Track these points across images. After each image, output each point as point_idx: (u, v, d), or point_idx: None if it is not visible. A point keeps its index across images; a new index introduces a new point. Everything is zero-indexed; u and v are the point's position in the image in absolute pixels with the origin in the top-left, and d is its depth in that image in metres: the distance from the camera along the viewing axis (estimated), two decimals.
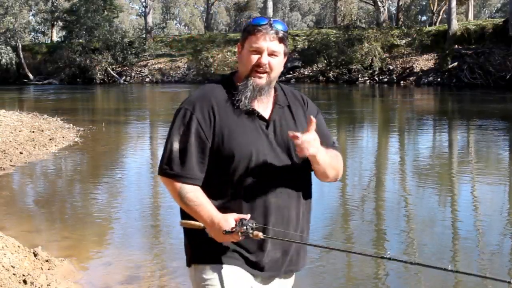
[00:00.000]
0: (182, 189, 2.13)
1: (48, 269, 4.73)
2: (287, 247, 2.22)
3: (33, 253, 4.89)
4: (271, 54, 2.15)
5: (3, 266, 4.30)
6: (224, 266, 2.16)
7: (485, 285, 4.61)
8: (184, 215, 2.23)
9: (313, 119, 2.07)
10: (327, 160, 2.16)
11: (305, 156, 2.07)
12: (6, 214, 6.87)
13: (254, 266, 2.19)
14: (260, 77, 2.16)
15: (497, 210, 6.88)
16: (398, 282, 4.77)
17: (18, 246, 4.93)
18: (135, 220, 6.65)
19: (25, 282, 4.20)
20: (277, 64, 2.18)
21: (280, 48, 2.17)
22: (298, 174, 2.23)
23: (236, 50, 2.32)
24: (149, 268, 5.01)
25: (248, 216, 2.07)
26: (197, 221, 2.16)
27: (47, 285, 4.25)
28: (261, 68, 2.15)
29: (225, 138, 2.13)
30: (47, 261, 4.85)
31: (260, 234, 2.05)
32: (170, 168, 2.15)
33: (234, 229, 2.03)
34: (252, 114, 2.17)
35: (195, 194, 2.13)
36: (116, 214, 6.93)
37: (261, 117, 2.18)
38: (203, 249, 2.19)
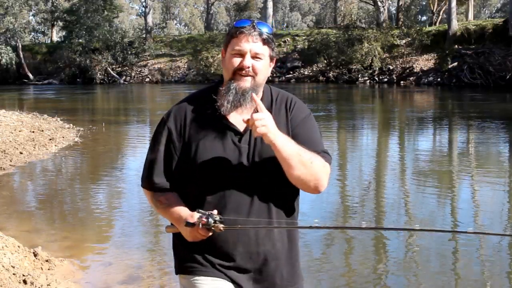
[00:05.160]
0: (153, 195, 2.18)
1: (48, 269, 4.73)
2: (259, 266, 2.12)
3: (33, 253, 4.89)
4: (255, 56, 2.04)
5: (3, 266, 4.30)
6: (202, 278, 2.12)
7: (485, 285, 4.61)
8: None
9: (254, 96, 1.97)
10: (293, 150, 1.97)
11: (260, 137, 1.96)
12: (6, 214, 6.87)
13: (231, 278, 2.12)
14: (243, 80, 2.04)
15: (497, 210, 6.88)
16: (397, 283, 4.76)
17: (18, 246, 4.93)
18: (135, 220, 6.65)
19: (25, 282, 4.20)
20: (262, 67, 2.06)
21: (264, 50, 2.05)
22: (277, 190, 2.09)
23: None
24: (149, 268, 5.01)
25: (215, 212, 2.01)
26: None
27: (47, 285, 4.25)
28: (243, 71, 2.03)
29: (192, 152, 2.08)
30: (47, 261, 4.85)
31: (221, 226, 1.97)
32: (144, 179, 2.21)
33: (195, 221, 2.01)
34: (226, 126, 2.08)
35: (165, 196, 2.15)
36: (116, 214, 6.94)
37: (235, 131, 2.08)
38: (184, 259, 2.17)
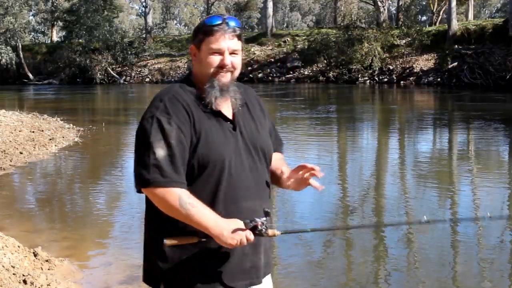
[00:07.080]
0: (182, 195, 1.99)
1: (48, 269, 4.74)
2: (264, 250, 2.20)
3: (33, 253, 4.89)
4: (232, 53, 2.13)
5: (3, 266, 4.30)
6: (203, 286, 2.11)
7: (484, 286, 4.61)
8: (163, 232, 2.14)
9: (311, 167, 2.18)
10: None
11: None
12: (6, 214, 6.87)
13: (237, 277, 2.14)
14: (224, 76, 2.12)
15: (497, 210, 6.88)
16: (397, 283, 4.76)
17: (18, 246, 4.93)
18: (135, 220, 6.64)
19: (25, 282, 4.20)
20: (239, 62, 2.17)
21: (239, 45, 2.15)
22: (264, 176, 2.20)
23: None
24: None
25: (262, 219, 2.03)
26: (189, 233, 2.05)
27: (47, 285, 4.25)
28: (224, 69, 2.12)
29: (201, 142, 2.05)
30: (47, 261, 4.85)
31: (277, 232, 2.04)
32: (161, 176, 1.98)
33: (255, 227, 1.99)
34: (219, 116, 2.12)
35: (195, 198, 2.01)
36: (116, 214, 6.93)
37: (227, 119, 2.14)
38: (185, 269, 2.14)
